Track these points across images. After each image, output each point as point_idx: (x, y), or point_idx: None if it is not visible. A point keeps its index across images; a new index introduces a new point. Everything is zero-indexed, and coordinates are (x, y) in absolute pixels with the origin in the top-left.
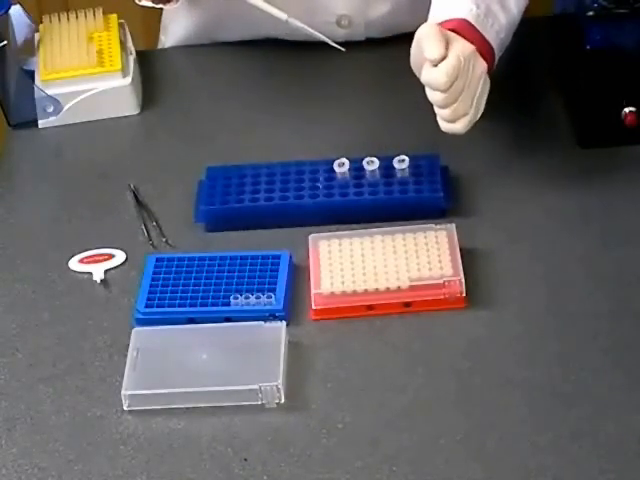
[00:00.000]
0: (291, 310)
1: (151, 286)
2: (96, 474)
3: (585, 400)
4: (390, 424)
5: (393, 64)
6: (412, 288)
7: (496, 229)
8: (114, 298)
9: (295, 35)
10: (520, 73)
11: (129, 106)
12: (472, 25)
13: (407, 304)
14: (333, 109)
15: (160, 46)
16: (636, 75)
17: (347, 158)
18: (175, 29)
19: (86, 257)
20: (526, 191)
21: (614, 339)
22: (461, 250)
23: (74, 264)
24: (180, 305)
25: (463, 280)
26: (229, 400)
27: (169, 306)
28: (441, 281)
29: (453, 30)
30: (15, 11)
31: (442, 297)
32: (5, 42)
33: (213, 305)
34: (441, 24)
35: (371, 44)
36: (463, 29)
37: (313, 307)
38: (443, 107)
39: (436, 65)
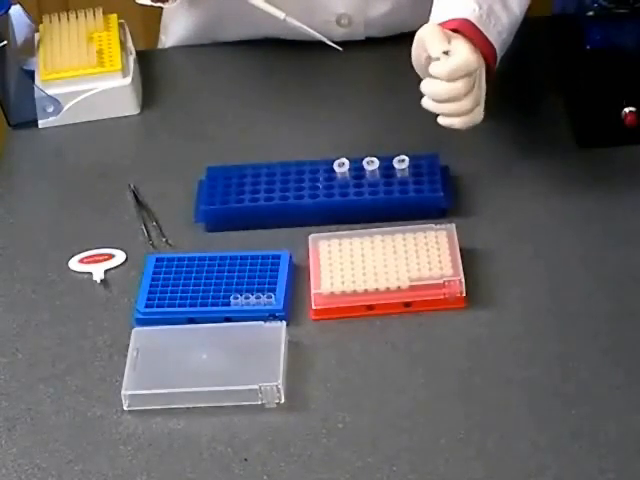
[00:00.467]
0: (291, 310)
1: (151, 286)
2: (96, 474)
3: (585, 400)
4: (390, 424)
5: (393, 64)
6: (412, 288)
7: (496, 229)
8: (114, 298)
9: (295, 34)
10: (520, 73)
11: (129, 106)
12: (474, 25)
13: (407, 304)
14: (333, 109)
15: (160, 46)
16: (636, 75)
17: (347, 158)
18: (175, 29)
19: (86, 257)
20: (526, 191)
21: (614, 339)
22: (461, 250)
23: (74, 264)
24: (180, 305)
25: (463, 280)
26: (229, 400)
27: (169, 306)
28: (441, 281)
29: (455, 30)
30: (15, 11)
31: (442, 297)
32: (5, 42)
33: (213, 305)
34: (443, 24)
35: (371, 43)
36: (465, 29)
37: (313, 307)
38: (445, 100)
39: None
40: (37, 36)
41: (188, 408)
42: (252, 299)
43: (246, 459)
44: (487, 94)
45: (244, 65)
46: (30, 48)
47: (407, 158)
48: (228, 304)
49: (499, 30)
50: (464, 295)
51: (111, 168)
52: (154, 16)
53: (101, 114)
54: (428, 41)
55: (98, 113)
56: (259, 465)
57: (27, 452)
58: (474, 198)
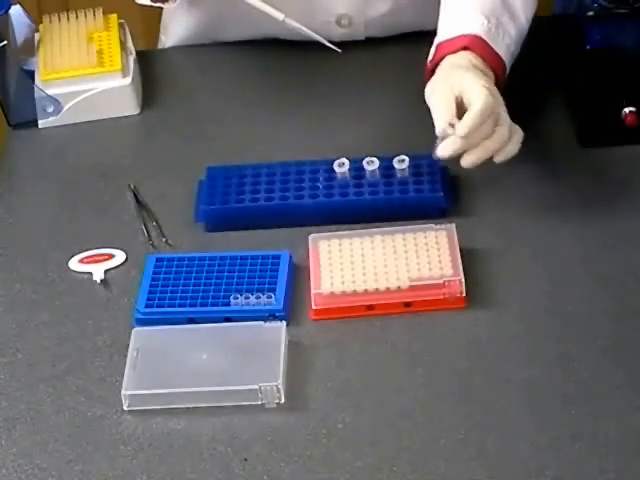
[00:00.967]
0: (291, 310)
1: (151, 286)
2: (96, 474)
3: (585, 400)
4: (390, 424)
5: (393, 64)
6: (412, 288)
7: (496, 229)
8: (114, 298)
9: (295, 35)
10: (520, 73)
11: (129, 106)
12: (484, 41)
13: (407, 304)
14: (333, 109)
15: (160, 46)
16: (636, 75)
17: (347, 158)
18: (175, 29)
19: (86, 257)
20: (526, 191)
21: (614, 339)
22: (461, 250)
23: (74, 264)
24: (180, 305)
25: (463, 280)
26: (229, 400)
27: (169, 306)
28: (441, 281)
29: (466, 48)
30: (15, 11)
31: (442, 297)
32: (5, 42)
33: (213, 305)
34: (452, 41)
35: (371, 43)
36: (475, 46)
37: (313, 307)
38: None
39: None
40: (37, 36)
41: (188, 408)
42: (252, 299)
43: (246, 459)
44: None
45: (244, 65)
46: (30, 48)
47: (407, 158)
48: (228, 304)
49: (507, 43)
50: (464, 295)
51: (111, 168)
52: (154, 16)
53: (101, 114)
54: (435, 113)
55: (98, 113)
56: (259, 465)
57: (27, 452)
58: (474, 198)
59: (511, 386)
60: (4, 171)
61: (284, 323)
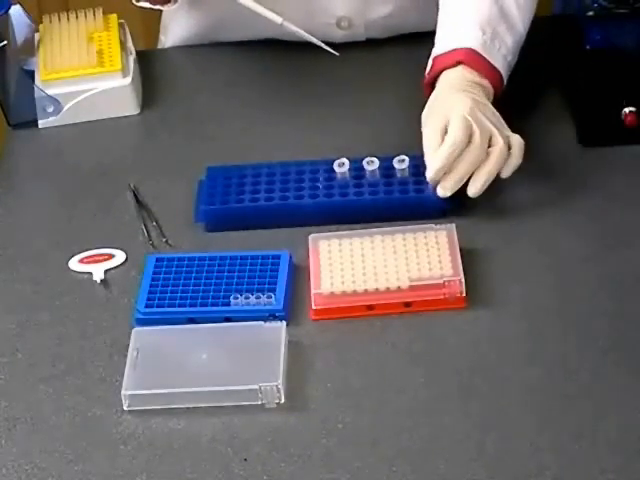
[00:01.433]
0: (291, 310)
1: (151, 286)
2: (96, 474)
3: (585, 400)
4: (390, 424)
5: (393, 64)
6: (412, 288)
7: (496, 229)
8: (114, 298)
9: (294, 36)
10: (520, 73)
11: (129, 106)
12: (479, 54)
13: (407, 304)
14: (333, 109)
15: (160, 46)
16: (636, 75)
17: (347, 158)
18: (175, 30)
19: (86, 257)
20: (526, 191)
21: (614, 339)
22: (461, 250)
23: (74, 264)
24: (180, 305)
25: (463, 280)
26: (229, 400)
27: (169, 306)
28: (441, 281)
29: (460, 62)
30: (15, 11)
31: (442, 297)
32: (5, 42)
33: (213, 305)
34: (448, 55)
35: (371, 44)
36: (470, 60)
37: (313, 307)
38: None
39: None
40: (37, 36)
41: (188, 408)
42: (252, 299)
43: (246, 459)
44: None
45: (244, 65)
46: (30, 48)
47: (407, 158)
48: (228, 304)
49: (504, 54)
50: (464, 295)
51: (111, 168)
52: (154, 16)
53: (101, 114)
54: (424, 143)
55: (98, 113)
56: (259, 465)
57: (27, 452)
58: (474, 198)
59: (511, 386)
60: (4, 171)
61: (284, 323)
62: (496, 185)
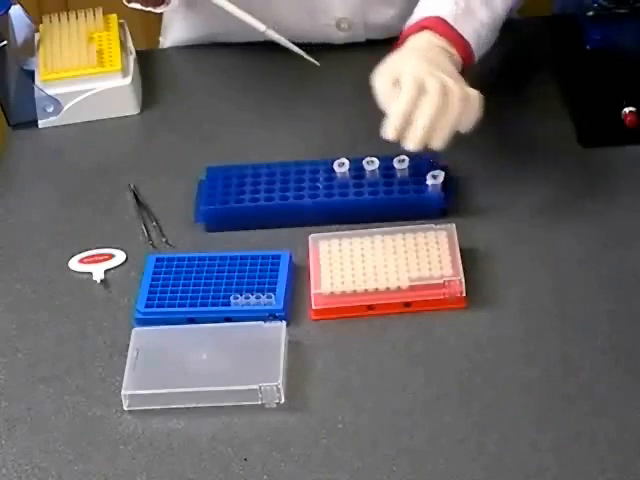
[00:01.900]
0: (291, 310)
1: (151, 286)
2: (96, 474)
3: (585, 400)
4: (390, 424)
5: None
6: (412, 288)
7: (496, 229)
8: (114, 298)
9: (292, 39)
10: (520, 73)
11: (129, 106)
12: (446, 22)
13: (407, 304)
14: (333, 109)
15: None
16: (636, 75)
17: (347, 158)
18: (174, 32)
19: (86, 257)
20: (526, 191)
21: (614, 339)
22: (461, 250)
23: (74, 264)
24: (180, 305)
25: (463, 280)
26: (229, 400)
27: (169, 306)
28: (441, 281)
29: (426, 27)
30: (15, 11)
31: (442, 297)
32: (5, 42)
33: (213, 305)
34: (416, 23)
35: (371, 45)
36: (436, 25)
37: (313, 307)
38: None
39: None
40: (37, 36)
41: (188, 408)
42: (252, 299)
43: (246, 459)
44: (486, 94)
45: (245, 65)
46: (30, 48)
47: (407, 158)
48: (228, 304)
49: (476, 27)
50: (464, 295)
51: (111, 168)
52: (154, 16)
53: (101, 114)
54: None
55: (98, 113)
56: (259, 465)
57: (27, 452)
58: (474, 198)
59: (511, 386)
60: (4, 171)
61: (284, 323)
62: (496, 185)
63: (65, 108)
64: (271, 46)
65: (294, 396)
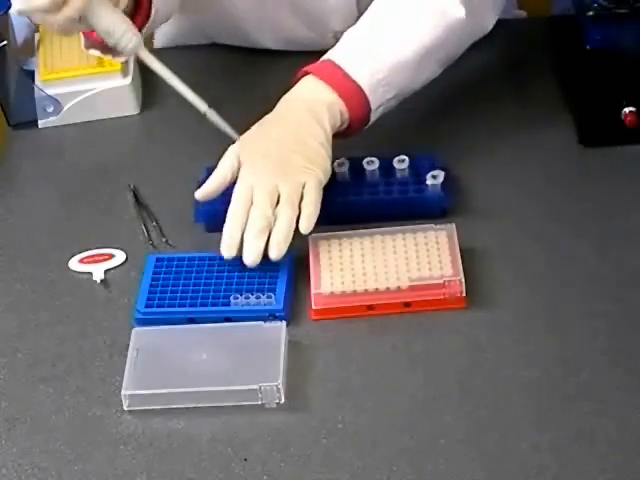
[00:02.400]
0: (291, 310)
1: (151, 286)
2: (96, 474)
3: (585, 400)
4: (390, 424)
5: None
6: (412, 288)
7: (496, 229)
8: (114, 298)
9: (292, 42)
10: (520, 73)
11: (129, 106)
12: (335, 65)
13: (407, 304)
14: None
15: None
16: (636, 75)
17: (347, 158)
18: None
19: (86, 257)
20: (526, 191)
21: (614, 339)
22: (461, 250)
23: (74, 264)
24: (180, 305)
25: (463, 280)
26: (229, 400)
27: (169, 306)
28: (441, 281)
29: (307, 72)
30: None
31: (442, 297)
32: (5, 42)
33: (213, 305)
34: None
35: None
36: (318, 70)
37: (313, 307)
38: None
39: None
40: (37, 36)
41: (188, 408)
42: (252, 299)
43: (246, 459)
44: (486, 94)
45: (245, 65)
46: (30, 48)
47: (407, 158)
48: (228, 304)
49: (373, 71)
50: (464, 295)
51: (111, 168)
52: None
53: (101, 114)
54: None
55: (98, 113)
56: (259, 465)
57: (27, 452)
58: (474, 198)
59: (511, 386)
60: (4, 171)
61: (284, 323)
62: (496, 185)
63: (65, 108)
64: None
65: (294, 396)
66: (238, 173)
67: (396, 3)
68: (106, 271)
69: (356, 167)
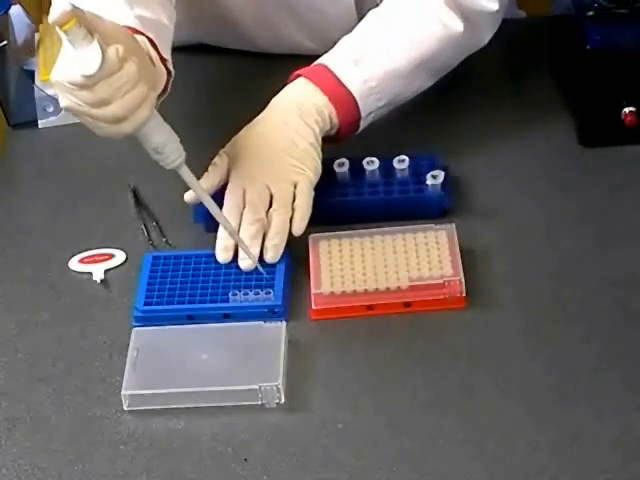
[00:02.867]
0: (291, 310)
1: (149, 284)
2: (96, 474)
3: (585, 400)
4: (390, 424)
5: None
6: (412, 288)
7: (496, 229)
8: (114, 298)
9: (290, 44)
10: (520, 73)
11: None
12: (328, 69)
13: (407, 304)
14: None
15: None
16: (636, 75)
17: (347, 158)
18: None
19: (86, 257)
20: (526, 191)
21: (614, 339)
22: (461, 250)
23: (74, 264)
24: (179, 302)
25: (463, 280)
26: (229, 400)
27: (168, 303)
28: (441, 281)
29: (300, 75)
30: (15, 11)
31: (442, 297)
32: (5, 42)
33: (212, 302)
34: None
35: None
36: (311, 73)
37: (313, 307)
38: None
39: None
40: (37, 36)
41: (188, 408)
42: (251, 295)
43: (246, 459)
44: (486, 94)
45: (245, 65)
46: (30, 48)
47: (407, 158)
48: (227, 300)
49: (365, 78)
50: (464, 295)
51: (111, 168)
52: None
53: None
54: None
55: None
56: (259, 465)
57: (27, 452)
58: (474, 198)
59: (511, 386)
60: (4, 171)
61: (284, 323)
62: (496, 185)
63: None
64: (271, 47)
65: (294, 396)
66: (229, 175)
67: (395, 13)
68: (106, 271)
69: (356, 167)
